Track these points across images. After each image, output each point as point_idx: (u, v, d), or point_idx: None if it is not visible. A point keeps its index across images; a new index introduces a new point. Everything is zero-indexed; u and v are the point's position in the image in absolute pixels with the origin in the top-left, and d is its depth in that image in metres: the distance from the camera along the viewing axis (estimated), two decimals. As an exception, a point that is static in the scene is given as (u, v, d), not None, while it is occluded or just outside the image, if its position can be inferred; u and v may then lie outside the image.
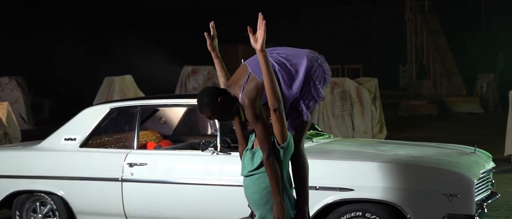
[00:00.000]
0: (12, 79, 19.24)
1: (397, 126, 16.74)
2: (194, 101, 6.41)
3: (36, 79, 22.66)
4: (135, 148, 6.33)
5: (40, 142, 6.87)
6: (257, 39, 4.15)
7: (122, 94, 14.45)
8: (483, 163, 5.89)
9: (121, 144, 6.84)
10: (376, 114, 14.69)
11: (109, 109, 6.59)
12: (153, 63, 22.79)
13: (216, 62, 4.72)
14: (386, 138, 14.61)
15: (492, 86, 21.73)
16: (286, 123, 4.27)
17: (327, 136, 6.86)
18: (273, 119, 4.20)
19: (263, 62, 4.16)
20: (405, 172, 5.34)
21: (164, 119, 7.87)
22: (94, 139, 6.66)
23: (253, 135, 4.46)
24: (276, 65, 4.44)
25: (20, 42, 24.00)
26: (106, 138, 6.79)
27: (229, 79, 4.65)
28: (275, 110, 4.17)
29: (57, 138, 6.68)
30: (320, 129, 7.07)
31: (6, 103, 14.19)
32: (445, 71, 24.06)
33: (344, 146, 6.32)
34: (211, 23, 4.72)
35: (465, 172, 5.36)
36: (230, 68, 4.72)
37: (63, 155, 6.54)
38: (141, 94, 14.72)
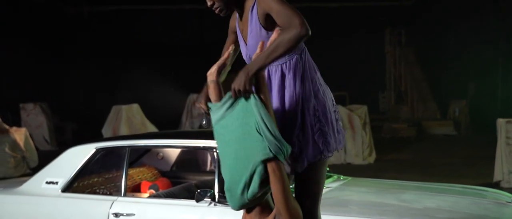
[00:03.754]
0: (36, 105, 17.78)
1: (383, 149, 15.10)
2: (187, 143, 4.65)
3: (61, 104, 21.03)
4: (122, 194, 4.53)
5: (21, 184, 5.08)
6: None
7: (129, 123, 12.69)
8: (525, 216, 4.10)
9: (111, 185, 5.05)
10: (366, 139, 13.31)
11: (94, 150, 4.78)
12: (163, 91, 21.08)
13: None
14: (375, 161, 13.19)
15: (464, 111, 20.24)
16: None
17: (336, 177, 5.08)
18: None
19: None
20: (444, 235, 3.54)
21: (161, 154, 6.13)
22: (79, 182, 4.87)
23: None
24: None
25: (48, 71, 22.35)
26: (92, 181, 4.98)
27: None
28: None
29: (38, 181, 4.88)
30: (327, 169, 5.27)
31: (24, 129, 12.60)
32: (421, 98, 22.53)
33: (360, 194, 4.48)
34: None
35: (516, 234, 3.57)
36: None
37: (43, 201, 4.73)
38: (147, 123, 12.96)
